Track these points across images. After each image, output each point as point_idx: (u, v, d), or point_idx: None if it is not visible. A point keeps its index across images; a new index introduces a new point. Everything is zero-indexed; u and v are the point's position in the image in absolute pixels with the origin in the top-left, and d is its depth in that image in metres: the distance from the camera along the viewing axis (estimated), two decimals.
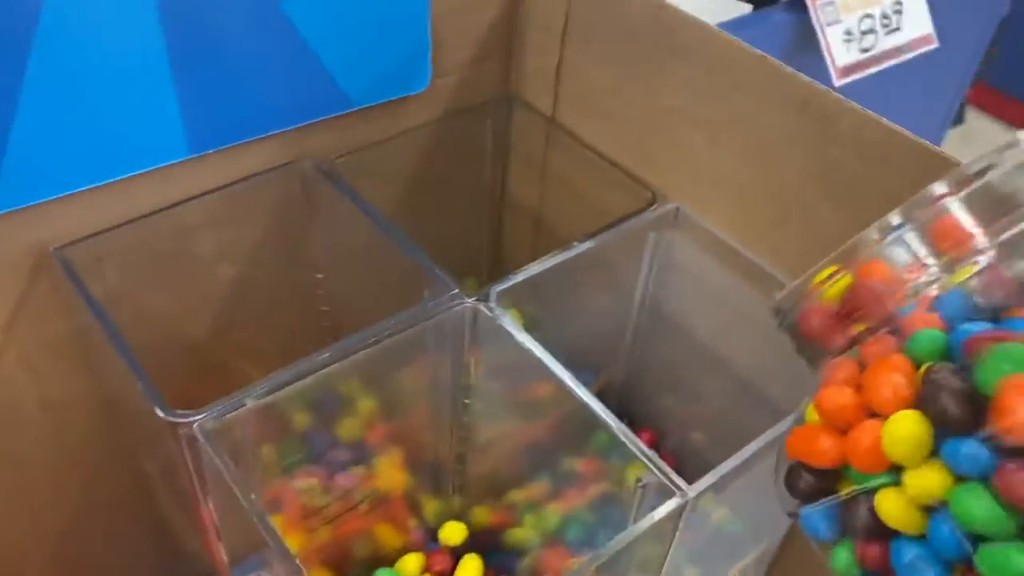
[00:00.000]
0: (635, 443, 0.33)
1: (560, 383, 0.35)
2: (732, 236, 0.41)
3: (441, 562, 0.45)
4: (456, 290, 0.38)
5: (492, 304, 0.38)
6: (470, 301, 0.38)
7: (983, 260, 0.25)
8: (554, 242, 0.42)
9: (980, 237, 0.25)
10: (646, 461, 0.32)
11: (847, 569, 0.26)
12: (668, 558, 0.35)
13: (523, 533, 0.45)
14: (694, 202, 0.43)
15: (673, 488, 0.32)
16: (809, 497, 0.27)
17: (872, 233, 0.26)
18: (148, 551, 0.55)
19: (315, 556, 0.45)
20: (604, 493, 0.40)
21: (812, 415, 0.27)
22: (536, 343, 0.36)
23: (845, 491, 0.26)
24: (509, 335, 0.36)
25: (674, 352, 0.48)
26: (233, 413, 0.32)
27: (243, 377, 0.46)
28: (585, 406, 0.35)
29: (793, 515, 0.28)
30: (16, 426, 0.43)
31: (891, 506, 0.24)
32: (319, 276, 0.49)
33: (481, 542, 0.47)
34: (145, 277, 0.43)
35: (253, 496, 0.29)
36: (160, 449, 0.40)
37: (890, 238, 0.26)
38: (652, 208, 0.43)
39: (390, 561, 0.47)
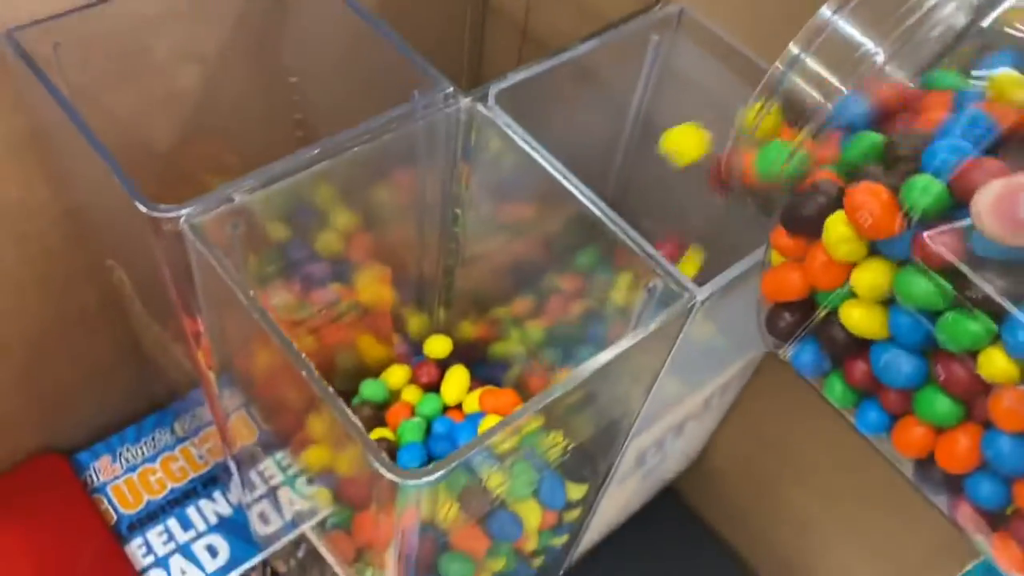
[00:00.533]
0: (641, 246, 0.32)
1: (564, 188, 0.34)
2: (740, 40, 0.39)
3: (427, 373, 0.45)
4: (451, 88, 0.35)
5: (491, 105, 0.35)
6: (467, 100, 0.35)
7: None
8: (542, 54, 0.39)
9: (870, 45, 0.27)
10: (654, 264, 0.32)
11: (843, 397, 0.28)
12: (665, 366, 0.35)
13: (509, 346, 0.45)
14: (699, 2, 0.40)
15: (682, 290, 0.31)
16: (791, 334, 0.29)
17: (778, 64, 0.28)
18: (117, 369, 0.54)
19: None
20: (593, 307, 0.39)
21: (776, 258, 0.28)
22: (540, 146, 0.34)
23: (818, 314, 0.27)
24: (510, 138, 0.34)
25: (668, 169, 0.47)
26: (220, 208, 0.30)
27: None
28: (588, 211, 0.33)
29: (783, 357, 0.30)
30: None
31: (853, 314, 0.26)
32: (293, 80, 0.45)
33: (466, 355, 0.47)
34: (104, 72, 0.39)
35: (252, 292, 0.28)
36: (137, 254, 0.37)
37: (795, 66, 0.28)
38: (655, 9, 0.41)
39: (375, 373, 0.46)
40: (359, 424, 0.26)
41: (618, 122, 0.46)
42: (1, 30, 0.35)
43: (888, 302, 0.25)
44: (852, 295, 0.26)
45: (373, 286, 0.44)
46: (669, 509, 0.57)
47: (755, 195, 0.31)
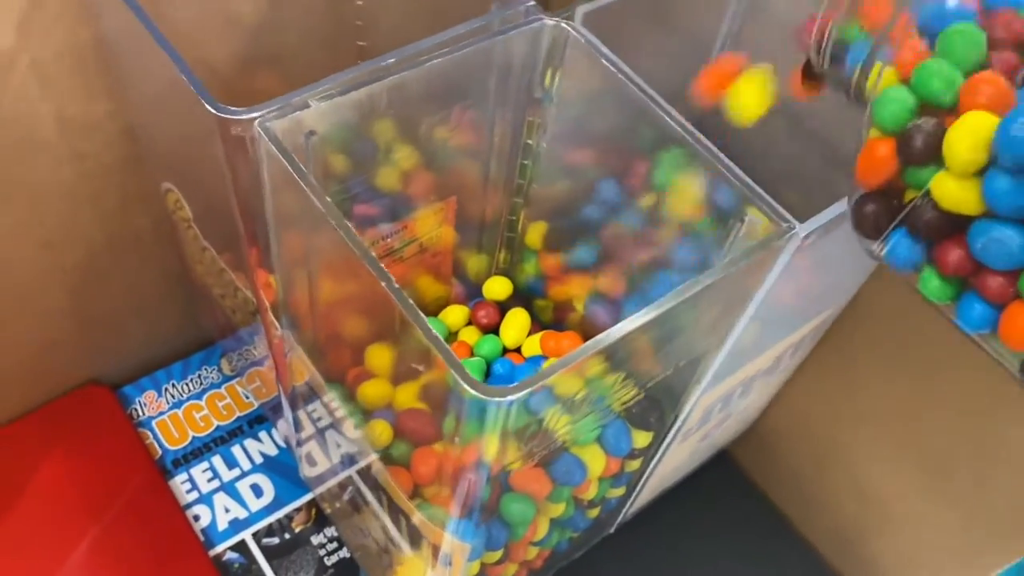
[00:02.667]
0: (737, 174, 0.30)
1: (655, 114, 0.32)
2: None
3: (487, 314, 0.43)
4: (533, 2, 0.33)
5: (577, 25, 0.33)
6: (552, 19, 0.33)
7: None
8: None
9: None
10: (751, 194, 0.30)
11: (940, 291, 0.26)
12: (749, 310, 0.33)
13: (572, 288, 0.43)
14: None
15: (781, 223, 0.29)
16: (882, 225, 0.27)
17: None
18: (167, 301, 0.53)
19: None
20: (675, 245, 0.37)
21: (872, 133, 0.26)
22: (632, 74, 0.32)
23: (908, 199, 0.26)
24: (598, 60, 0.32)
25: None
26: (296, 113, 0.28)
27: None
28: (681, 138, 0.31)
29: (876, 256, 0.28)
30: (30, 147, 0.39)
31: (944, 187, 0.24)
32: (358, 2, 0.44)
33: (526, 298, 0.45)
34: None
35: (329, 199, 0.26)
36: (199, 169, 0.36)
37: None
38: None
39: (432, 313, 0.45)
40: (443, 342, 0.24)
41: (700, 58, 0.44)
42: None
43: (983, 172, 0.23)
44: (939, 167, 0.24)
45: (433, 224, 0.42)
46: (722, 472, 0.56)
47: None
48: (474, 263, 0.46)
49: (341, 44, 0.45)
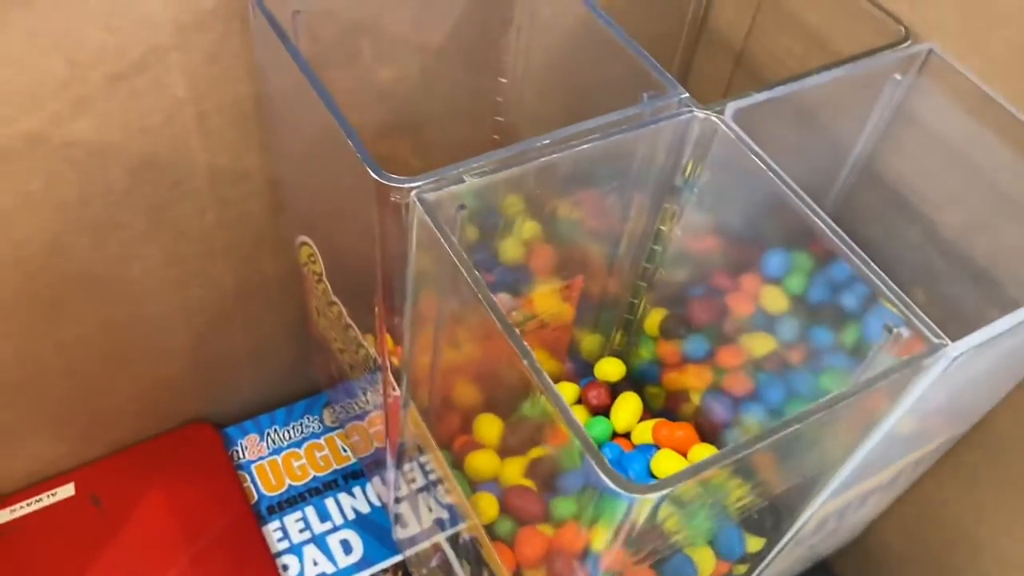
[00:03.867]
0: (886, 280, 0.29)
1: (799, 212, 0.31)
2: (1000, 91, 0.36)
3: (599, 395, 0.43)
4: (686, 95, 0.34)
5: (728, 120, 0.33)
6: (703, 112, 0.34)
7: None
8: (753, 84, 0.37)
9: None
10: (900, 304, 0.29)
11: None
12: (884, 429, 0.31)
13: (688, 378, 0.42)
14: (954, 42, 0.38)
15: (933, 340, 0.28)
16: None
17: None
18: (282, 347, 0.54)
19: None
20: (803, 348, 0.36)
21: None
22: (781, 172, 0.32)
23: None
24: (747, 156, 0.32)
25: (889, 225, 0.44)
26: (452, 187, 0.29)
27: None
28: (826, 238, 0.31)
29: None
30: (181, 192, 0.41)
31: None
32: (503, 80, 0.45)
33: (639, 382, 0.45)
34: (332, 48, 0.40)
35: (477, 273, 0.27)
36: (342, 228, 0.37)
37: None
38: (902, 46, 0.38)
39: None
40: (582, 428, 0.24)
41: (835, 164, 0.44)
42: None
43: None
44: None
45: (556, 301, 0.42)
46: None
47: None
48: (588, 341, 0.46)
49: (481, 118, 0.46)
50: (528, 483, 0.37)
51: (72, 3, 0.33)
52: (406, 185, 0.29)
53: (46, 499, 0.50)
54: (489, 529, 0.37)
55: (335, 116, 0.30)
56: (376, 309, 0.36)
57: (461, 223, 0.31)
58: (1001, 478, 0.43)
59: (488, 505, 0.37)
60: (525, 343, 0.26)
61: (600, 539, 0.27)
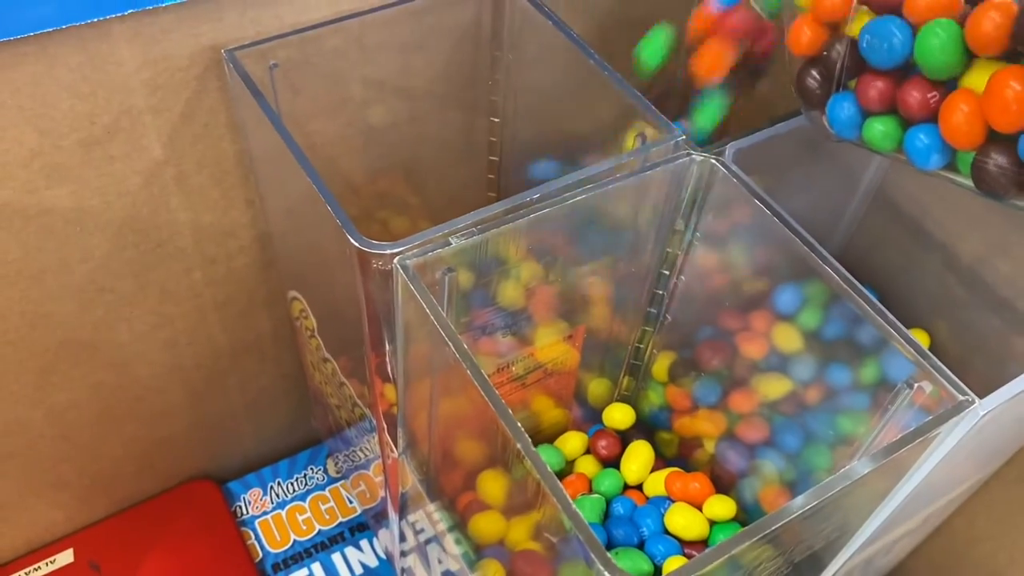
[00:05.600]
0: (906, 336, 0.27)
1: (807, 258, 0.30)
2: None
3: (609, 446, 0.41)
4: (683, 137, 0.32)
5: (728, 162, 0.32)
6: (701, 155, 0.32)
7: None
8: (754, 121, 0.36)
9: None
10: (924, 360, 0.27)
11: (883, 136, 0.28)
12: (913, 486, 0.29)
13: (701, 424, 0.40)
14: None
15: (959, 397, 0.26)
16: (825, 89, 0.29)
17: None
18: (280, 401, 0.52)
19: None
20: (820, 395, 0.35)
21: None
22: (783, 212, 0.30)
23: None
24: (750, 199, 0.31)
25: (905, 253, 0.42)
26: (436, 251, 0.27)
27: (399, 229, 0.41)
28: (836, 286, 0.29)
29: (827, 133, 0.30)
30: (165, 253, 0.40)
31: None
32: (495, 120, 0.43)
33: (649, 429, 0.43)
34: (313, 98, 0.38)
35: (463, 343, 0.25)
36: (330, 287, 0.36)
37: None
38: None
39: (548, 439, 0.43)
40: (583, 519, 0.22)
41: (846, 194, 0.42)
42: (226, 48, 0.34)
43: None
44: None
45: (560, 351, 0.41)
46: None
47: None
48: (595, 387, 0.44)
49: (475, 158, 0.45)
50: (535, 546, 0.35)
51: (39, 72, 0.31)
52: (388, 251, 0.27)
53: (44, 567, 0.49)
54: None
55: (311, 177, 0.29)
56: (367, 368, 0.34)
57: (450, 285, 0.29)
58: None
59: (495, 573, 0.35)
60: (509, 411, 0.24)
61: None
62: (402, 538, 0.46)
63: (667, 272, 0.37)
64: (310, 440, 0.56)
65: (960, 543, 0.45)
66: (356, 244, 0.27)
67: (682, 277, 0.36)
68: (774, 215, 0.30)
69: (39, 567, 0.49)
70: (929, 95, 0.26)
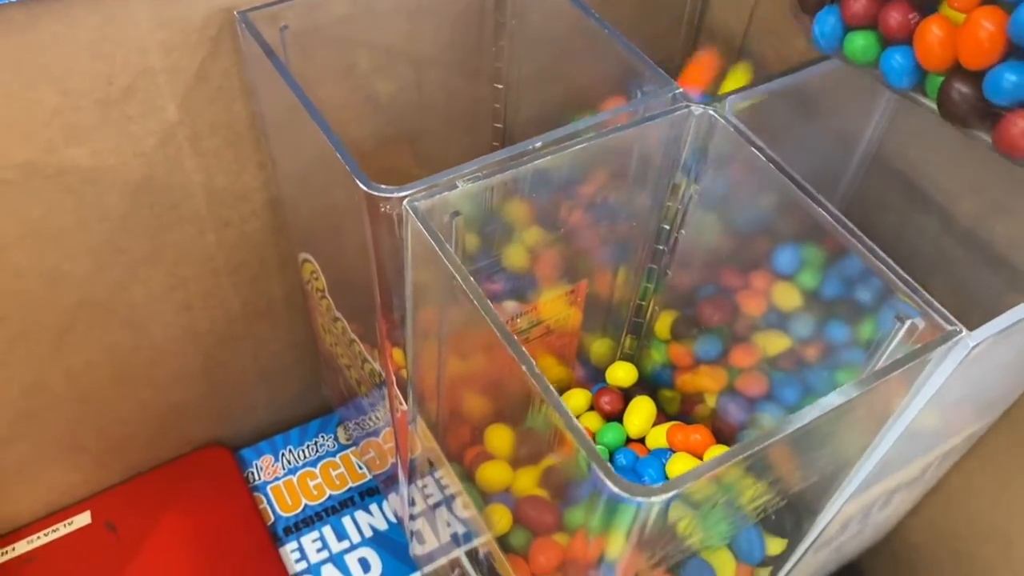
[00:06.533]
0: (898, 271, 0.28)
1: (806, 205, 0.31)
2: None
3: (612, 401, 0.42)
4: (680, 90, 0.33)
5: (728, 115, 0.33)
6: (700, 107, 0.33)
7: None
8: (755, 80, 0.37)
9: None
10: (912, 294, 0.28)
11: (863, 51, 0.29)
12: (905, 422, 0.30)
13: (701, 380, 0.41)
14: None
15: (947, 328, 0.27)
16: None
17: None
18: (292, 368, 0.54)
19: None
20: (815, 342, 0.36)
21: None
22: (780, 161, 0.31)
23: None
24: (749, 151, 0.31)
25: (903, 215, 0.42)
26: (444, 193, 0.28)
27: None
28: (833, 230, 0.30)
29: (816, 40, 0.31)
30: (180, 214, 0.41)
31: None
32: (499, 87, 0.44)
33: (652, 386, 0.44)
34: (322, 64, 0.39)
35: (473, 280, 0.26)
36: (340, 242, 0.37)
37: None
38: None
39: None
40: (585, 435, 0.23)
41: (844, 155, 0.43)
42: (239, 9, 0.35)
43: None
44: None
45: (562, 307, 0.42)
46: None
47: None
48: (598, 347, 0.45)
49: (479, 125, 0.46)
50: (542, 493, 0.36)
51: (60, 32, 0.33)
52: (396, 195, 0.28)
53: (63, 528, 0.50)
54: (503, 541, 0.37)
55: (322, 128, 0.30)
56: (377, 323, 0.36)
57: (457, 230, 0.30)
58: None
59: (501, 516, 0.36)
60: (525, 350, 0.25)
61: (613, 546, 0.26)
62: (412, 502, 0.48)
63: (667, 227, 0.38)
64: (321, 409, 0.57)
65: (958, 500, 0.46)
66: (365, 188, 0.28)
67: (682, 232, 0.37)
68: (776, 167, 0.31)
69: (57, 528, 0.50)
70: (909, 16, 0.27)
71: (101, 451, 0.50)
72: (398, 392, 0.39)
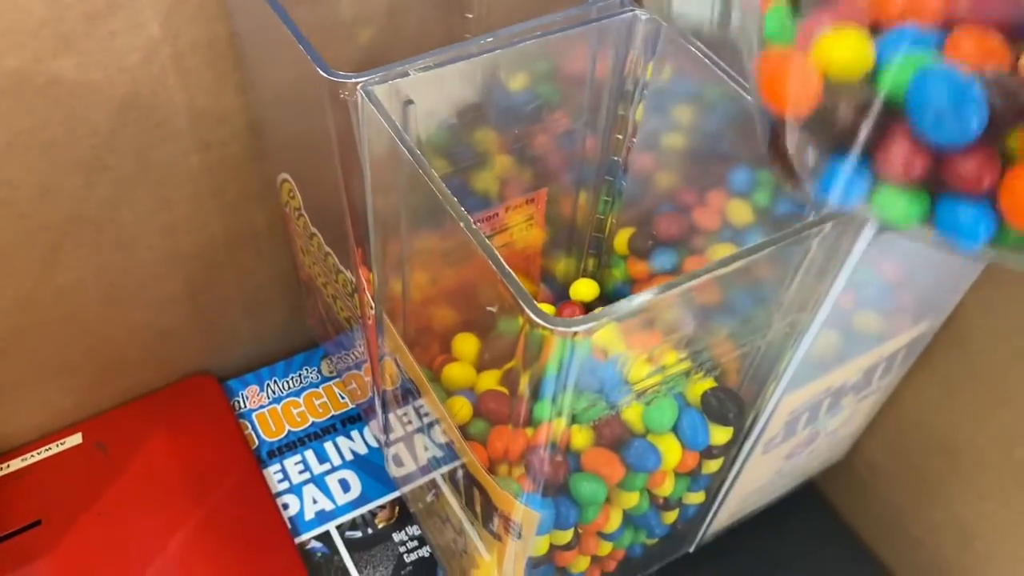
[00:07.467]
0: None
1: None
2: None
3: (574, 312, 0.44)
4: None
5: (676, 15, 0.35)
6: (646, 13, 0.35)
7: None
8: None
9: None
10: None
11: (907, 210, 0.21)
12: (825, 299, 0.32)
13: None
14: None
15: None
16: (823, 157, 0.23)
17: None
18: (275, 300, 0.56)
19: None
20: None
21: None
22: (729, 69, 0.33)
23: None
24: (695, 56, 0.33)
25: None
26: (396, 80, 0.31)
27: None
28: None
29: (809, 195, 0.24)
30: (163, 133, 0.43)
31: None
32: (469, 16, 0.46)
33: (612, 302, 0.46)
34: None
35: (426, 162, 0.28)
36: (311, 148, 0.39)
37: None
38: None
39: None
40: (515, 278, 0.25)
41: None
42: None
43: None
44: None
45: (522, 217, 0.44)
46: (809, 507, 0.54)
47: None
48: (562, 266, 0.47)
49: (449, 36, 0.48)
50: (503, 389, 0.39)
51: None
52: (352, 80, 0.30)
53: (55, 447, 0.52)
54: (466, 432, 0.39)
55: (285, 22, 0.32)
56: (346, 224, 0.38)
57: (412, 120, 0.32)
58: (974, 375, 0.44)
59: (462, 407, 0.38)
60: (478, 228, 0.27)
61: (542, 408, 0.28)
62: (390, 428, 0.50)
63: (620, 138, 0.40)
64: (306, 344, 0.60)
65: (909, 414, 0.48)
66: (324, 75, 0.31)
67: (634, 140, 0.39)
68: (720, 71, 0.33)
69: (49, 448, 0.52)
70: (991, 162, 0.20)
71: (93, 375, 0.52)
72: (369, 299, 0.41)
